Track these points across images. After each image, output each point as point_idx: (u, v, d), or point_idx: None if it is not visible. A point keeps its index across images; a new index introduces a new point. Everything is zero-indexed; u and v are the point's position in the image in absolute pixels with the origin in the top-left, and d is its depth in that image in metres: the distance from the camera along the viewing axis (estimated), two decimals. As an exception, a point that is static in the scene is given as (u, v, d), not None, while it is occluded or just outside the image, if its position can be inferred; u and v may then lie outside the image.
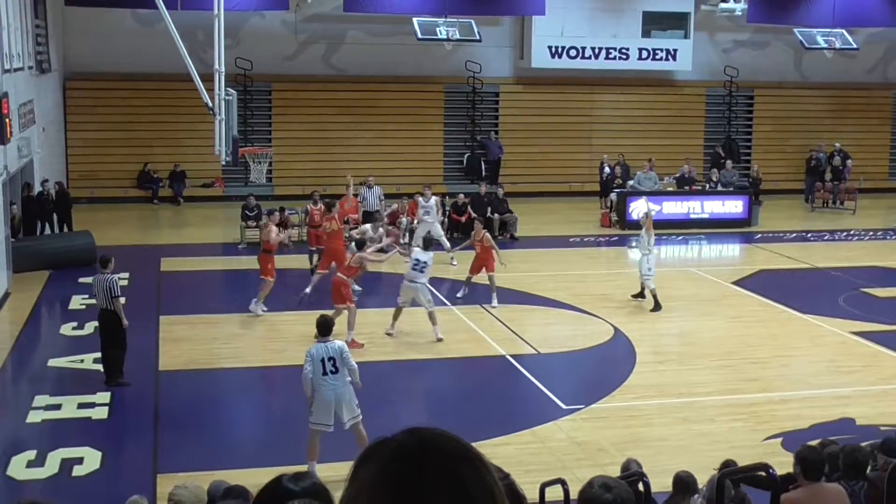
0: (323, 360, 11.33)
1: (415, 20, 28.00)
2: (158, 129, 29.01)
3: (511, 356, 16.44)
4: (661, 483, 9.34)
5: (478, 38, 28.90)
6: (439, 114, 31.51)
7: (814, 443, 8.99)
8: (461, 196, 26.09)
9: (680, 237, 26.20)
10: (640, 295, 19.43)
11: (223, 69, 18.81)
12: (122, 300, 14.64)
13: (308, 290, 18.84)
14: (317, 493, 2.49)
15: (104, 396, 14.14)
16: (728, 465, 8.81)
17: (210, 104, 18.56)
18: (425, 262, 17.00)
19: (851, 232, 27.01)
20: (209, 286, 21.41)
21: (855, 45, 31.53)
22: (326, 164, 29.55)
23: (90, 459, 12.16)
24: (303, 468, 2.90)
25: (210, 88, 18.69)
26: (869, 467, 7.95)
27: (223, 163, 20.01)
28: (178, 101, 27.16)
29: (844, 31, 31.22)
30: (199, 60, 20.70)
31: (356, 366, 11.64)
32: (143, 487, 10.49)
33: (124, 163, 29.12)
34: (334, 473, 9.47)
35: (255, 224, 24.38)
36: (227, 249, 24.01)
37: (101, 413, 13.73)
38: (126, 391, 14.34)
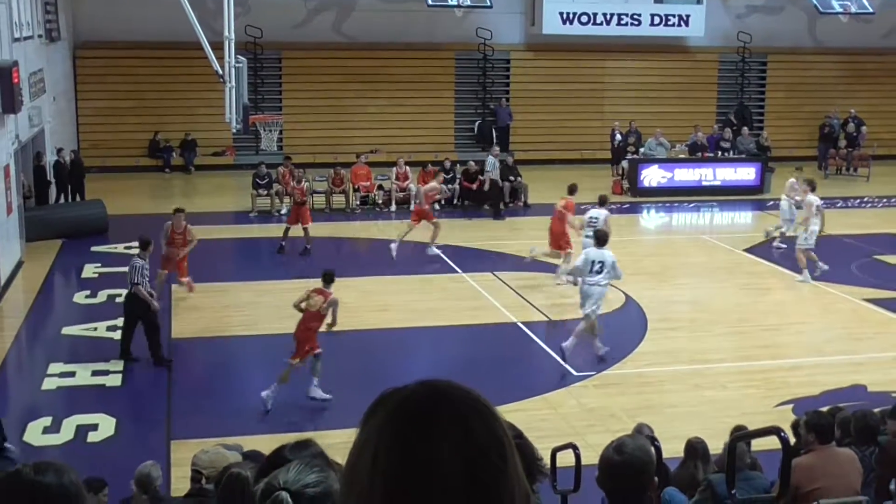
0: (593, 263, 14.54)
1: (425, -14, 27.89)
2: (169, 98, 28.98)
3: (522, 323, 16.47)
4: (673, 449, 9.36)
5: (489, 4, 28.77)
6: (450, 81, 31.39)
7: (824, 409, 8.99)
8: (472, 163, 26.05)
9: (692, 204, 26.12)
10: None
11: (233, 36, 18.77)
12: (146, 288, 14.28)
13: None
14: (324, 458, 2.51)
15: (118, 364, 14.25)
16: (739, 430, 8.82)
17: (220, 72, 18.53)
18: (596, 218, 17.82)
19: (865, 199, 26.89)
20: (221, 255, 21.45)
21: (871, 10, 31.26)
22: (337, 132, 29.52)
23: (105, 426, 12.28)
24: (307, 435, 2.95)
25: (220, 56, 18.65)
26: (881, 433, 7.97)
27: (234, 131, 19.98)
28: (189, 70, 27.10)
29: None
30: (209, 28, 20.63)
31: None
32: (157, 453, 10.60)
33: (135, 132, 29.11)
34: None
35: (265, 192, 24.43)
36: (239, 218, 24.04)
37: (115, 380, 13.84)
38: (140, 358, 14.40)
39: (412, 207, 24.02)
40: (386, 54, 30.37)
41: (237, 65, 18.74)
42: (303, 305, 13.04)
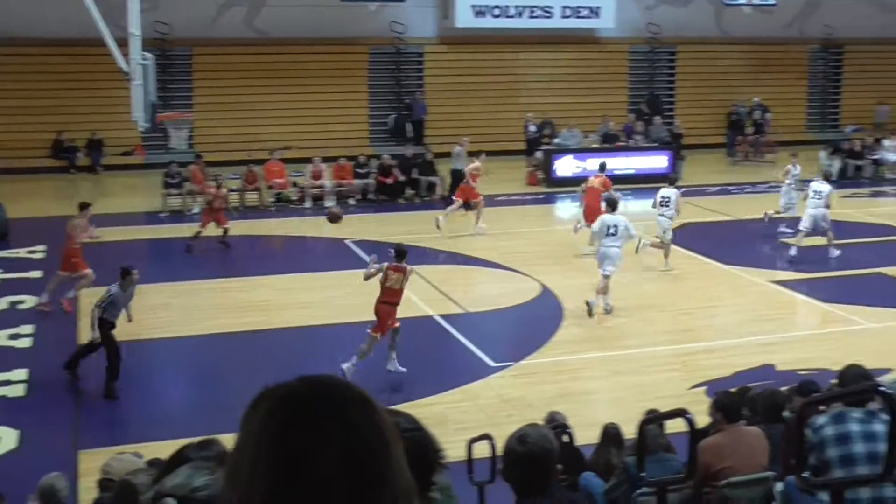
0: (608, 227, 16.31)
1: (337, -20, 27.73)
2: (73, 97, 28.30)
3: (439, 316, 16.48)
4: (590, 435, 9.46)
5: (401, -3, 28.72)
6: (364, 75, 31.27)
7: (733, 390, 9.16)
8: (386, 157, 26.00)
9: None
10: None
11: (139, 32, 18.42)
12: (98, 314, 13.37)
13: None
14: (219, 459, 2.47)
15: (21, 373, 13.79)
16: (652, 413, 8.94)
17: (126, 69, 18.18)
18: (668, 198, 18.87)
19: (772, 184, 27.41)
20: (131, 256, 21.01)
21: (773, 1, 31.95)
22: (250, 129, 29.17)
23: (7, 438, 11.87)
24: (213, 437, 2.91)
25: (127, 53, 18.29)
26: (787, 410, 8.14)
27: (141, 130, 19.64)
28: (94, 67, 26.39)
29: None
30: (115, 25, 20.15)
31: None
32: (63, 465, 10.15)
33: (37, 132, 28.21)
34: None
35: (177, 192, 24.08)
36: (150, 218, 23.64)
37: (17, 391, 13.39)
38: (45, 367, 13.85)
39: (327, 203, 24.00)
40: (299, 49, 30.14)
41: (144, 62, 18.38)
42: (381, 281, 13.62)
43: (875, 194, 27.48)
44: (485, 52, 31.66)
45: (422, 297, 17.43)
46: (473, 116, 31.21)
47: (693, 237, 21.36)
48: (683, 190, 26.53)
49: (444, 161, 26.97)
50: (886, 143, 29.89)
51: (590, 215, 19.54)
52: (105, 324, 13.24)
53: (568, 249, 20.81)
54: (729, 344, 15.23)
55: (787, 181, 22.27)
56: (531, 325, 16.42)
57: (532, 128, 29.35)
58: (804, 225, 19.87)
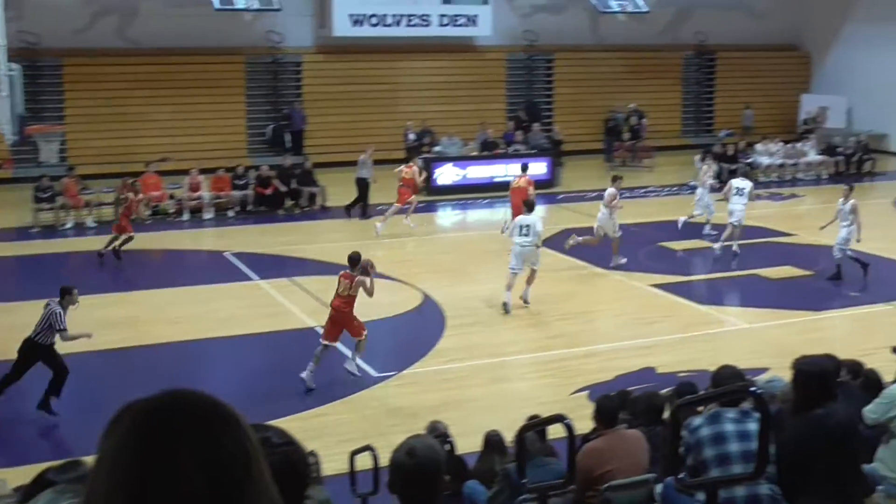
0: (521, 227, 17.15)
1: (212, -10, 27.27)
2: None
3: (321, 327, 16.27)
4: (473, 443, 9.43)
5: (278, 7, 28.40)
6: (241, 85, 30.83)
7: (613, 394, 9.24)
8: (265, 168, 25.68)
9: (486, 201, 26.51)
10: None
11: (4, 42, 17.85)
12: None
13: None
14: (80, 481, 2.35)
15: None
16: (533, 419, 8.96)
17: (-9, 81, 17.58)
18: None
19: (649, 188, 27.99)
20: (2, 273, 20.40)
21: (646, 8, 32.63)
22: (125, 141, 28.48)
23: None
24: (77, 459, 2.76)
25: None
26: (666, 412, 8.23)
27: (9, 142, 19.00)
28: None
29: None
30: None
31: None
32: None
33: None
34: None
35: (49, 206, 23.38)
36: (21, 234, 22.86)
37: None
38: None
39: (206, 216, 23.61)
40: (173, 60, 29.56)
41: (10, 73, 17.85)
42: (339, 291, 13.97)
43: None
44: (363, 61, 31.56)
45: (303, 308, 17.25)
46: (353, 125, 31.07)
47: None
48: (561, 196, 27.03)
49: (323, 171, 26.79)
50: (759, 146, 30.77)
51: (516, 215, 19.80)
52: (40, 345, 12.88)
53: (451, 258, 20.86)
54: (610, 348, 15.42)
55: (701, 185, 22.70)
56: (414, 335, 16.38)
57: (412, 136, 29.36)
58: (734, 220, 20.42)
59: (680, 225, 22.37)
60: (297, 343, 15.84)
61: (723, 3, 35.20)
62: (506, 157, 28.46)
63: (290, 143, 30.28)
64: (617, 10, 32.38)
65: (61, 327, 12.89)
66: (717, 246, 20.56)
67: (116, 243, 20.09)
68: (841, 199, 19.18)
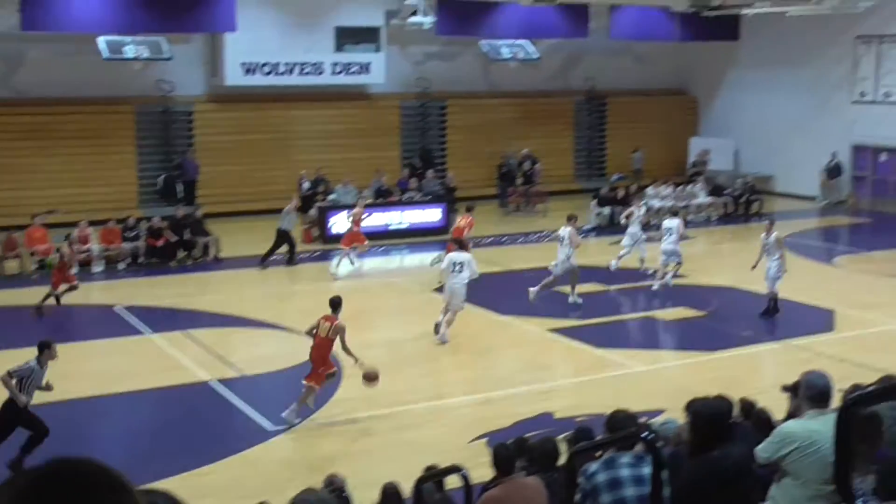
0: (454, 264, 17.82)
1: (100, 39, 26.79)
2: None
3: (216, 381, 15.96)
4: (371, 496, 9.26)
5: (168, 56, 28.04)
6: (131, 135, 30.30)
7: (509, 441, 9.19)
8: (156, 219, 25.20)
9: (381, 248, 26.41)
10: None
11: None
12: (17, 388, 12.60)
13: None
14: None
15: None
16: (431, 469, 8.86)
17: None
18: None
19: (543, 233, 28.21)
20: None
21: (537, 55, 33.16)
22: (9, 193, 27.69)
23: None
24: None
25: None
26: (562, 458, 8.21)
27: None
28: None
29: (527, 42, 32.81)
30: None
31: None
32: None
33: None
34: None
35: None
36: None
37: None
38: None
39: (95, 269, 23.05)
40: (61, 110, 28.95)
41: None
42: (314, 332, 14.07)
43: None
44: (256, 110, 31.36)
45: (196, 360, 16.88)
46: (247, 174, 30.80)
47: (468, 288, 21.57)
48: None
49: (217, 221, 26.41)
50: (650, 190, 31.32)
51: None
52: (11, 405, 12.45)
53: (348, 307, 20.66)
54: (508, 394, 15.39)
55: (632, 225, 23.22)
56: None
57: (306, 184, 29.17)
58: (664, 260, 21.32)
59: (612, 267, 22.72)
60: (190, 397, 15.50)
61: (611, 49, 35.97)
62: (400, 204, 28.46)
63: (183, 192, 29.83)
64: (508, 57, 32.84)
65: (29, 385, 12.60)
66: (656, 285, 21.36)
67: (59, 291, 20.21)
68: (763, 234, 19.79)
